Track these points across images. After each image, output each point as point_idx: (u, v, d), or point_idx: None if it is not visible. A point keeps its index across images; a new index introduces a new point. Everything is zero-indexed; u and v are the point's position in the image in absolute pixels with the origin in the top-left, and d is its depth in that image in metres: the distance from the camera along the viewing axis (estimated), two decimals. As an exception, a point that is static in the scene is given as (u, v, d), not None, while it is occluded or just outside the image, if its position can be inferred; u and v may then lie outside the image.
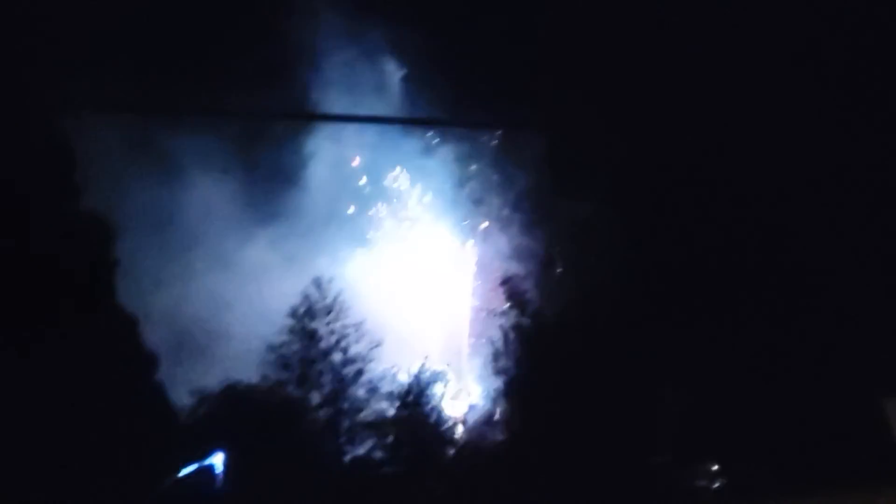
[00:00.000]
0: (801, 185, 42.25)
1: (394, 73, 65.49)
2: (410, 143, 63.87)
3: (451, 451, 46.52)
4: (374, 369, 45.32)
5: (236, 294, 57.73)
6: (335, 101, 60.14)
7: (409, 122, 66.53)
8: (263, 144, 60.99)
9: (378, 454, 45.05)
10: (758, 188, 42.20)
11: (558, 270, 47.70)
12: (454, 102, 56.83)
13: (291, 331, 44.64)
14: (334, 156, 63.91)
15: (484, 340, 50.91)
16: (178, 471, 39.05)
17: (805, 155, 41.80)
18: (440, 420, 46.07)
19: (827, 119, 41.42)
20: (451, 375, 48.73)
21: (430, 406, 45.78)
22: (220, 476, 40.91)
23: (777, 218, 42.00)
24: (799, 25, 42.39)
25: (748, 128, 42.61)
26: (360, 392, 44.93)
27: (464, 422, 47.67)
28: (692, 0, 44.52)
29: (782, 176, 42.58)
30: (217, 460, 41.19)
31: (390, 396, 45.59)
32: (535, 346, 44.75)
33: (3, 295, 30.31)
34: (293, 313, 44.77)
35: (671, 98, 44.02)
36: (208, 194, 59.52)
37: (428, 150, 64.08)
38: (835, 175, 41.24)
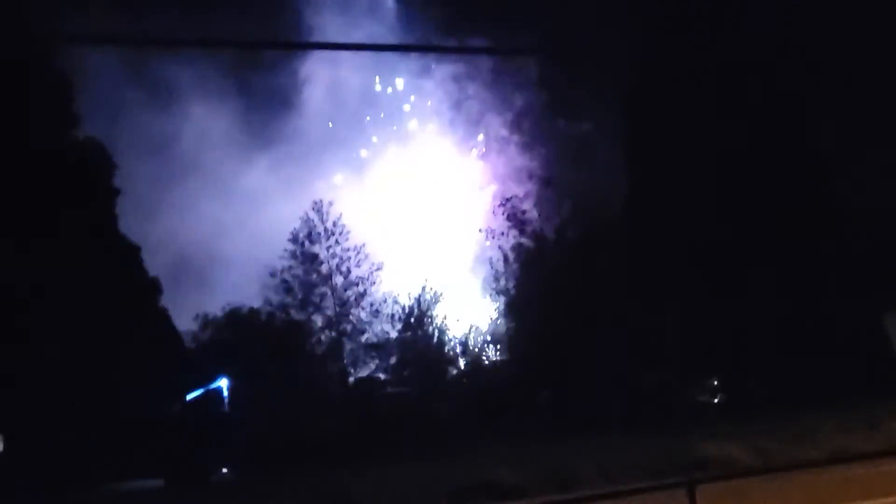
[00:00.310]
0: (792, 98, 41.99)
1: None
2: (408, 63, 63.35)
3: (454, 371, 47.03)
4: (376, 292, 45.58)
5: (235, 220, 57.81)
6: (330, 25, 59.68)
7: (404, 48, 65.89)
8: (259, 70, 60.54)
9: (381, 375, 45.53)
10: (752, 105, 41.88)
11: (557, 190, 47.40)
12: (450, 24, 56.35)
13: (293, 255, 44.73)
14: (331, 79, 63.44)
15: (484, 261, 51.03)
16: (185, 395, 39.47)
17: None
18: (442, 341, 46.46)
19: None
20: (451, 297, 48.91)
21: (431, 327, 46.13)
22: (227, 400, 41.39)
23: (774, 129, 41.73)
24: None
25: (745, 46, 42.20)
26: (363, 314, 45.26)
27: (465, 342, 48.03)
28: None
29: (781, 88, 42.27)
30: (223, 384, 41.64)
31: (392, 318, 45.91)
32: (535, 266, 44.89)
33: (7, 223, 30.31)
34: (294, 238, 44.79)
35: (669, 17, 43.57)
36: (205, 121, 59.28)
37: (425, 71, 63.61)
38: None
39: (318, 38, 58.22)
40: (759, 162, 41.07)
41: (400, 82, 64.19)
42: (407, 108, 64.41)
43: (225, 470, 35.82)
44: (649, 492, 11.21)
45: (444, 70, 62.83)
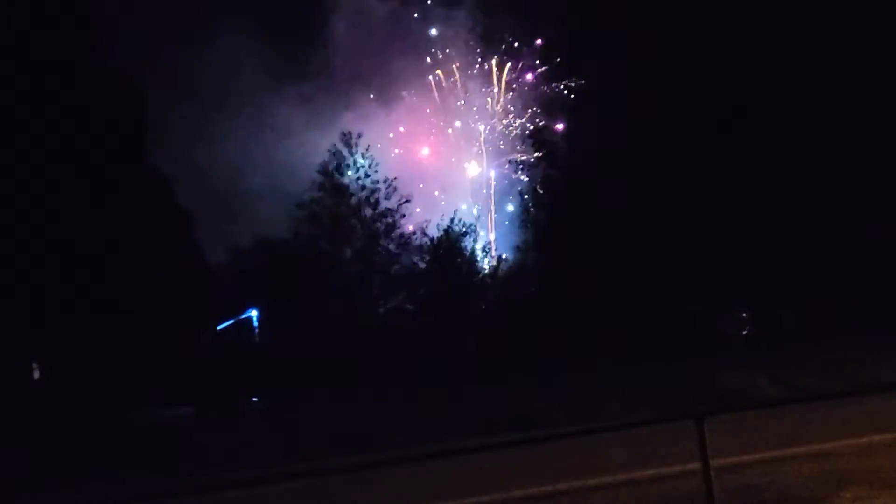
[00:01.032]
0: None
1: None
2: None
3: (483, 303, 47.15)
4: (405, 224, 45.56)
5: (265, 152, 57.92)
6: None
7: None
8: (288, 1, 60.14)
9: (410, 306, 45.72)
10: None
11: (585, 119, 46.94)
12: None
13: (322, 187, 44.68)
14: (360, 10, 62.86)
15: (513, 192, 50.94)
16: (216, 325, 40.00)
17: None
18: (471, 272, 46.50)
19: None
20: (480, 228, 48.92)
21: (460, 259, 46.13)
22: (256, 330, 41.89)
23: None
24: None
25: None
26: (392, 246, 45.28)
27: (495, 273, 48.09)
28: None
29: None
30: (253, 315, 42.12)
31: (421, 250, 45.93)
32: (564, 196, 44.68)
33: (41, 156, 30.49)
34: (322, 169, 44.72)
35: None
36: (234, 53, 59.03)
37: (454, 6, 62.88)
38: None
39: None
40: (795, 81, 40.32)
41: (427, 14, 63.36)
42: (436, 36, 63.67)
43: (255, 399, 36.36)
44: (656, 423, 11.22)
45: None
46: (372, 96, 62.32)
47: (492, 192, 61.26)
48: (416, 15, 63.85)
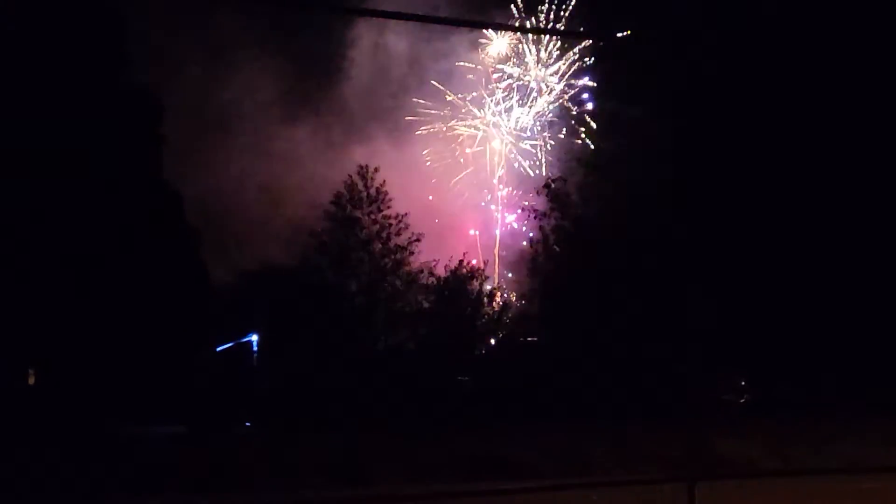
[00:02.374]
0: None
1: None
2: (458, 34, 62.82)
3: (484, 347, 47.09)
4: (413, 261, 45.60)
5: (278, 177, 58.17)
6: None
7: (454, 22, 65.37)
8: (308, 32, 60.58)
9: (411, 345, 45.66)
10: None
11: (600, 174, 47.12)
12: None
13: (333, 217, 44.87)
14: (379, 44, 63.19)
15: (524, 240, 50.97)
16: (216, 346, 39.98)
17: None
18: (475, 315, 46.44)
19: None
20: (488, 272, 48.91)
21: (465, 301, 46.11)
22: (256, 354, 41.85)
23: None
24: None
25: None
26: (398, 283, 45.33)
27: (498, 318, 48.02)
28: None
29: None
30: (253, 339, 42.12)
31: (427, 289, 45.94)
32: (573, 249, 44.73)
33: (57, 161, 30.70)
34: (336, 200, 44.92)
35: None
36: (250, 79, 59.53)
37: (474, 45, 63.21)
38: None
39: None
40: (806, 163, 40.50)
41: (448, 55, 63.58)
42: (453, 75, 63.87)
43: (248, 423, 36.30)
44: (649, 484, 11.22)
45: (494, 45, 62.59)
46: (390, 130, 62.66)
47: (505, 237, 61.57)
48: (435, 58, 63.88)
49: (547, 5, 61.29)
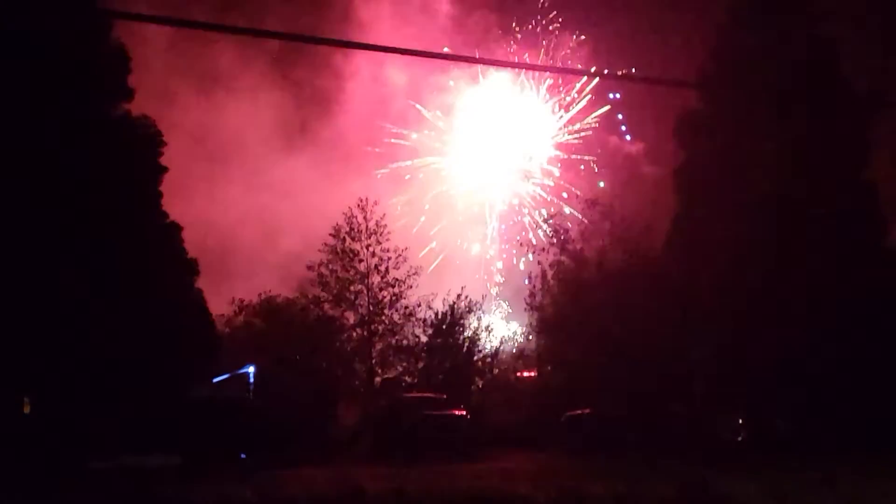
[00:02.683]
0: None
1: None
2: (457, 71, 63.31)
3: (480, 382, 46.98)
4: (411, 295, 45.67)
5: (277, 209, 58.40)
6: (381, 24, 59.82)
7: (456, 58, 66.03)
8: (305, 65, 61.05)
9: (407, 379, 45.59)
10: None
11: (602, 212, 47.09)
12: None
13: (332, 250, 44.96)
14: (378, 78, 63.65)
15: (523, 275, 50.98)
16: (212, 377, 39.80)
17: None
18: (472, 350, 46.39)
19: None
20: (486, 307, 48.94)
21: (462, 336, 46.08)
22: (252, 386, 41.67)
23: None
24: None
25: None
26: (396, 316, 45.37)
27: (495, 354, 47.97)
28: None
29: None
30: (250, 370, 41.96)
31: (424, 323, 45.96)
32: (573, 286, 44.70)
33: (54, 192, 30.72)
34: (336, 233, 45.04)
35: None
36: (255, 111, 59.93)
37: (473, 80, 63.75)
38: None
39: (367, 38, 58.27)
40: (806, 207, 40.44)
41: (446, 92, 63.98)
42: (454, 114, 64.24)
43: (243, 456, 36.05)
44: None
45: (494, 77, 63.03)
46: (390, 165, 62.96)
47: (504, 271, 61.64)
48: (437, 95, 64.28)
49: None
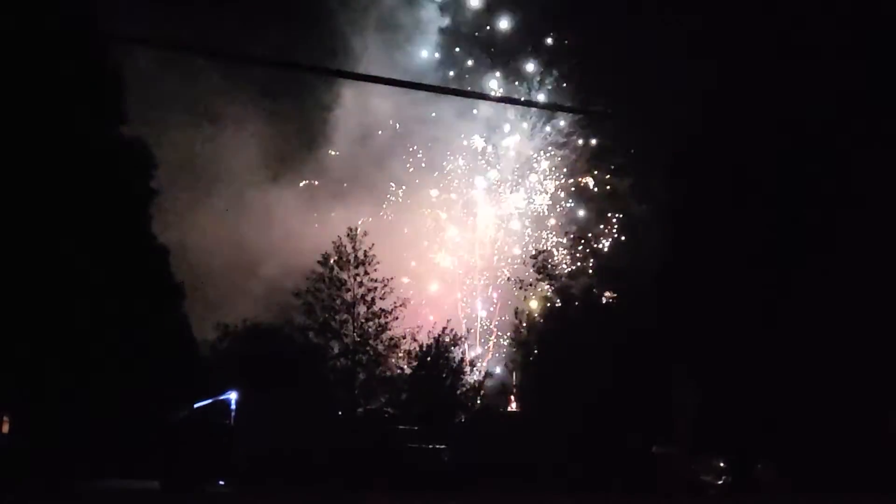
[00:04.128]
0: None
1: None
2: (447, 101, 63.49)
3: (463, 416, 46.85)
4: (397, 326, 45.62)
5: (265, 237, 58.36)
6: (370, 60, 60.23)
7: (446, 91, 66.34)
8: (305, 94, 61.25)
9: (390, 409, 45.44)
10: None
11: (587, 248, 47.37)
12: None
13: (320, 278, 44.94)
14: (368, 110, 63.79)
15: (509, 310, 51.04)
16: (193, 402, 39.57)
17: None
18: (455, 384, 46.33)
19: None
20: (471, 341, 48.98)
21: (446, 369, 46.05)
22: (233, 412, 41.42)
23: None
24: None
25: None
26: (380, 347, 45.27)
27: (478, 388, 47.91)
28: None
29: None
30: (232, 396, 41.71)
31: (409, 355, 45.93)
32: (558, 322, 44.80)
33: (45, 214, 30.62)
34: (324, 261, 45.05)
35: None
36: (245, 137, 60.03)
37: (462, 113, 63.86)
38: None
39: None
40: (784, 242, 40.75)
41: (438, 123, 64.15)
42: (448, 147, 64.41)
43: (222, 482, 35.80)
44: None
45: (484, 110, 63.33)
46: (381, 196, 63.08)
47: (489, 305, 61.61)
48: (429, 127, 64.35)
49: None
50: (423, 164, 63.99)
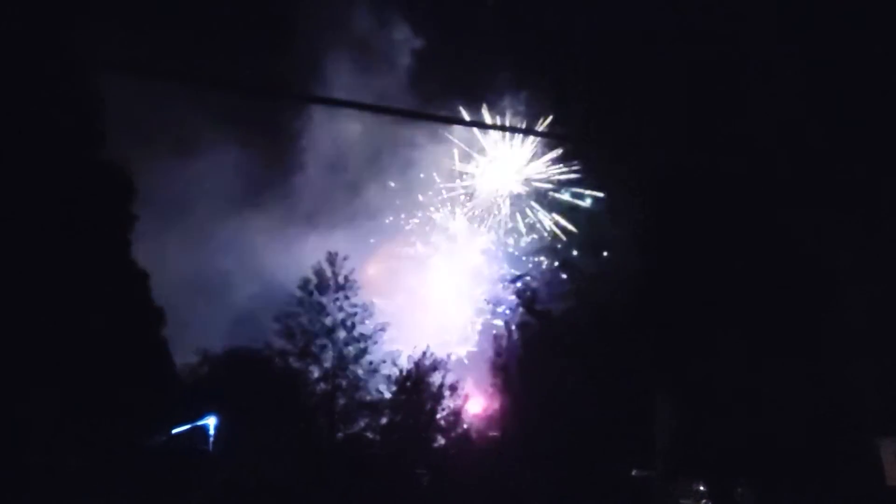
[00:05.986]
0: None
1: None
2: (421, 125, 63.72)
3: (443, 441, 46.74)
4: (377, 350, 45.51)
5: (244, 261, 58.27)
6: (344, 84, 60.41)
7: (420, 116, 66.72)
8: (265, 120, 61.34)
9: (369, 435, 45.28)
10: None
11: (566, 271, 47.55)
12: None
13: (300, 302, 44.84)
14: (345, 134, 64.00)
15: (488, 335, 51.05)
16: (173, 427, 39.37)
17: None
18: (435, 408, 46.25)
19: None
20: (451, 365, 48.87)
21: (427, 393, 45.96)
22: (212, 438, 41.21)
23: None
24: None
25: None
26: (360, 371, 45.14)
27: (458, 413, 47.81)
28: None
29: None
30: (210, 422, 41.49)
31: (389, 379, 45.81)
32: (538, 346, 44.86)
33: (27, 237, 30.47)
34: (303, 285, 44.97)
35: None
36: (225, 164, 60.00)
37: (435, 137, 64.24)
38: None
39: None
40: (777, 262, 40.93)
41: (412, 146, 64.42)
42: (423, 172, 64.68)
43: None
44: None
45: (459, 134, 63.63)
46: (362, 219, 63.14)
47: (469, 330, 61.60)
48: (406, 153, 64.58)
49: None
50: (397, 188, 64.19)
